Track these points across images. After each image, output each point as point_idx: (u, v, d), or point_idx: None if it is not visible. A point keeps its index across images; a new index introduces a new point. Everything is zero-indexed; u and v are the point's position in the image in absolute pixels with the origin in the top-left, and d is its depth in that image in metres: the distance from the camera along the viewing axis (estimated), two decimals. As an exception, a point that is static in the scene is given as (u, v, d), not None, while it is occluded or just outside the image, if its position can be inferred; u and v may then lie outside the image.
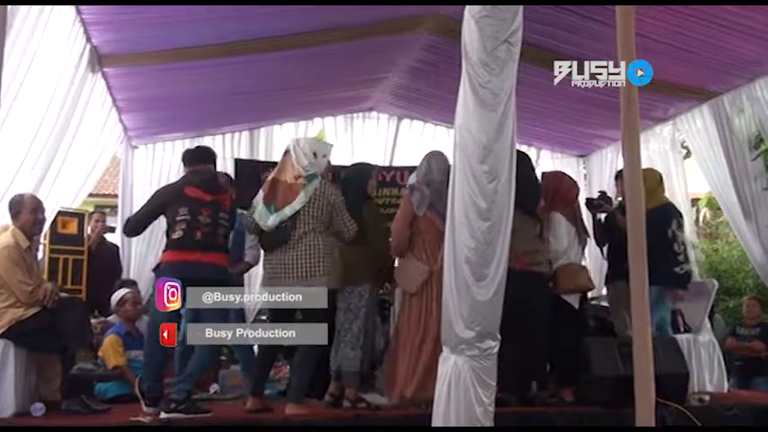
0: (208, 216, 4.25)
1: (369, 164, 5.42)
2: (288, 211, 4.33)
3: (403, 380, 4.48)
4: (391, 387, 4.59)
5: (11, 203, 4.43)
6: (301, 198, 4.34)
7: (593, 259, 6.85)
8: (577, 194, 5.41)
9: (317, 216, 4.36)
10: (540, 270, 4.81)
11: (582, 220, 5.26)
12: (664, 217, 5.19)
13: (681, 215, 5.44)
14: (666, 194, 5.67)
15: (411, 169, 5.49)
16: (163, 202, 4.39)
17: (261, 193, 4.49)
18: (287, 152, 4.55)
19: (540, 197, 4.98)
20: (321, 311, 4.32)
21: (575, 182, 5.59)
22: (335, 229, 4.45)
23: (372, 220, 4.82)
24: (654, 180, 5.36)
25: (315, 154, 4.50)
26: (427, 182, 4.67)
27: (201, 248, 4.18)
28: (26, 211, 4.42)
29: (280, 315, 4.45)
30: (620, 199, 5.56)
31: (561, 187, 5.23)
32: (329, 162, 4.74)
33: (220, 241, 4.29)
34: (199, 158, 4.59)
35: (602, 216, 5.67)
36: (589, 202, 5.70)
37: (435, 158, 4.78)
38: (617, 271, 5.23)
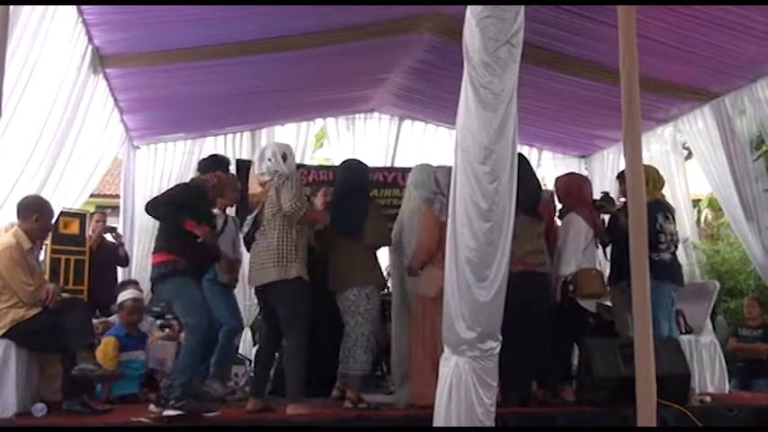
0: None
1: (362, 163, 5.45)
2: (254, 214, 4.56)
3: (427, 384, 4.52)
4: (416, 392, 4.59)
5: (30, 204, 4.43)
6: (265, 199, 4.53)
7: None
8: (590, 190, 5.45)
9: (272, 210, 4.47)
10: (544, 270, 4.82)
11: (600, 223, 5.26)
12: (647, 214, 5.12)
13: (670, 210, 5.36)
14: (662, 192, 5.65)
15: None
16: None
17: None
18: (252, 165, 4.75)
19: (540, 198, 4.99)
20: (291, 306, 4.40)
21: (586, 178, 5.63)
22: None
23: (375, 220, 4.83)
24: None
25: (285, 155, 4.61)
26: (440, 191, 4.81)
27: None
28: (43, 218, 4.46)
29: (264, 310, 4.70)
30: (622, 200, 5.56)
31: (578, 188, 5.26)
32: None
33: (155, 243, 4.59)
34: (207, 167, 4.85)
35: (606, 217, 5.67)
36: (592, 203, 5.70)
37: (439, 169, 4.97)
38: (620, 272, 5.21)
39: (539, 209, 4.94)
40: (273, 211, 4.47)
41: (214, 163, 4.90)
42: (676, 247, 5.21)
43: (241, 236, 4.91)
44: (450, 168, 4.78)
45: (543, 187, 7.07)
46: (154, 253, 4.51)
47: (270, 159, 4.57)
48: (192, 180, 4.90)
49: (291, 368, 4.45)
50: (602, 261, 5.88)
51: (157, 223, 4.63)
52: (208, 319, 4.38)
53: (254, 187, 4.69)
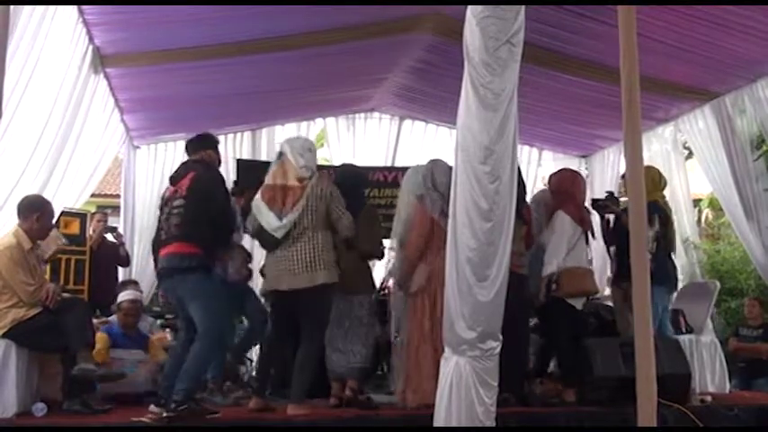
0: (166, 212, 4.32)
1: (359, 167, 5.45)
2: (296, 213, 4.33)
3: (405, 382, 4.51)
4: (402, 390, 4.58)
5: (30, 204, 4.42)
6: (305, 199, 4.35)
7: (597, 259, 6.83)
8: (583, 186, 5.40)
9: (314, 212, 4.36)
10: (524, 272, 4.81)
11: (590, 220, 5.24)
12: None
13: (662, 212, 5.31)
14: (663, 193, 5.62)
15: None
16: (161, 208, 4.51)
17: (260, 197, 4.47)
18: (281, 155, 4.54)
19: (525, 199, 4.96)
20: (323, 311, 4.36)
21: (578, 174, 5.59)
22: (332, 221, 4.40)
23: (367, 224, 4.81)
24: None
25: (310, 150, 4.56)
26: (434, 187, 4.71)
27: (162, 244, 4.28)
28: (44, 218, 4.44)
29: (280, 313, 4.50)
30: (624, 199, 5.55)
31: (570, 184, 5.21)
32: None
33: (174, 231, 4.21)
34: (195, 147, 4.55)
35: (611, 217, 5.66)
36: (595, 202, 5.68)
37: (437, 165, 4.85)
38: (624, 272, 5.19)
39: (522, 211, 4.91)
40: (316, 214, 4.34)
41: (205, 142, 4.58)
42: (652, 253, 5.12)
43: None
44: (445, 163, 4.80)
45: (544, 186, 7.09)
46: (179, 241, 4.16)
47: (302, 155, 4.45)
48: (191, 164, 4.46)
49: (305, 372, 4.34)
50: (605, 259, 5.88)
51: (157, 221, 4.48)
52: (222, 326, 4.28)
53: (283, 179, 4.44)
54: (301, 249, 4.31)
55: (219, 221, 4.25)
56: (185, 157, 4.59)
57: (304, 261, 4.29)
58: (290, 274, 4.30)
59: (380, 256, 5.03)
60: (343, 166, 5.45)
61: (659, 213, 5.19)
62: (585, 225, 5.12)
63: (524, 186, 5.05)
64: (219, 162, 4.64)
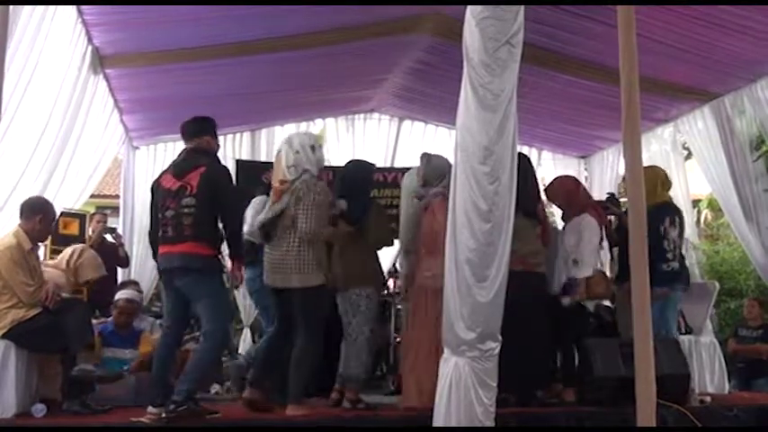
0: (172, 209, 4.20)
1: (368, 162, 5.45)
2: (269, 215, 4.39)
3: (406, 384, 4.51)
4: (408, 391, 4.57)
5: (33, 205, 4.42)
6: (284, 200, 4.36)
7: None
8: (584, 190, 5.45)
9: (293, 213, 4.33)
10: (541, 270, 4.81)
11: (607, 225, 5.25)
12: (656, 215, 4.82)
13: (678, 213, 5.30)
14: (669, 193, 5.62)
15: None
16: (153, 202, 4.45)
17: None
18: (279, 152, 4.56)
19: (540, 199, 4.97)
20: (316, 309, 4.36)
21: (576, 179, 5.61)
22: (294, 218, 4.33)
23: (377, 219, 4.82)
24: (652, 179, 5.04)
25: (312, 147, 4.51)
26: (446, 183, 4.66)
27: (171, 242, 4.20)
28: (46, 220, 4.44)
29: (281, 310, 4.53)
30: (625, 200, 5.56)
31: (576, 188, 5.24)
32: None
33: (186, 231, 4.13)
34: (191, 133, 4.44)
35: (613, 218, 5.66)
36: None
37: (440, 161, 4.82)
38: (626, 273, 5.17)
39: (537, 209, 4.91)
40: (290, 221, 4.33)
41: (203, 126, 4.44)
42: (675, 254, 5.15)
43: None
44: (437, 155, 4.83)
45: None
46: (194, 241, 4.12)
47: (298, 151, 4.41)
48: (195, 155, 4.34)
49: (300, 370, 4.34)
50: (606, 260, 5.87)
51: (155, 212, 4.41)
52: (227, 329, 4.30)
53: (274, 178, 4.50)
54: (283, 251, 4.35)
55: (227, 220, 4.27)
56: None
57: (284, 262, 4.34)
58: (281, 272, 4.36)
59: (392, 241, 5.01)
60: (352, 160, 5.44)
61: (677, 214, 5.17)
62: (603, 229, 5.15)
63: (538, 185, 5.06)
64: (218, 148, 4.59)
